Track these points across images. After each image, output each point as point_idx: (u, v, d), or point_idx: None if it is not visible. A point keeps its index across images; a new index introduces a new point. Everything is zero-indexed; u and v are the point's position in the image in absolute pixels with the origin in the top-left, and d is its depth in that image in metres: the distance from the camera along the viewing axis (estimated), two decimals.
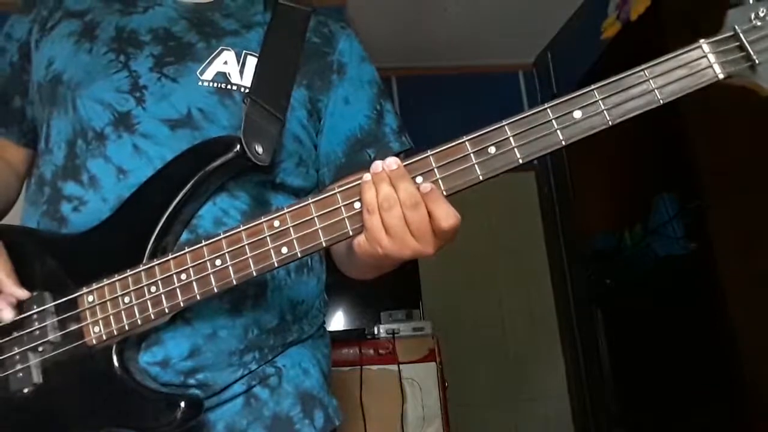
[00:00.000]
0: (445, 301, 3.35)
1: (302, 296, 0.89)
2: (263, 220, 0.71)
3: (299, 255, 0.70)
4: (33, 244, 0.82)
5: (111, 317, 0.74)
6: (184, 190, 0.76)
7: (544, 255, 3.75)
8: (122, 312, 0.74)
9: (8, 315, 0.77)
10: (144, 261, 0.75)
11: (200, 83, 0.85)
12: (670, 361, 2.58)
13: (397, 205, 0.66)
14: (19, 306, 0.78)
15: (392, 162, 0.67)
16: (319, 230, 0.69)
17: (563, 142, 0.67)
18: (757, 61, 0.66)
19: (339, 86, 0.93)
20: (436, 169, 0.68)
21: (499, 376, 3.48)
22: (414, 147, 0.91)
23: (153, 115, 0.83)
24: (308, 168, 0.93)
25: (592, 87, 0.67)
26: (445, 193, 0.68)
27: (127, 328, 0.73)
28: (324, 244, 0.69)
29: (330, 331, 0.99)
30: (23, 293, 0.77)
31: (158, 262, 0.73)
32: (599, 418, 3.30)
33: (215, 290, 0.72)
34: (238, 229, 0.71)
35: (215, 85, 0.85)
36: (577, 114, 0.67)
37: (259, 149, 0.79)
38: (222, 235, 0.72)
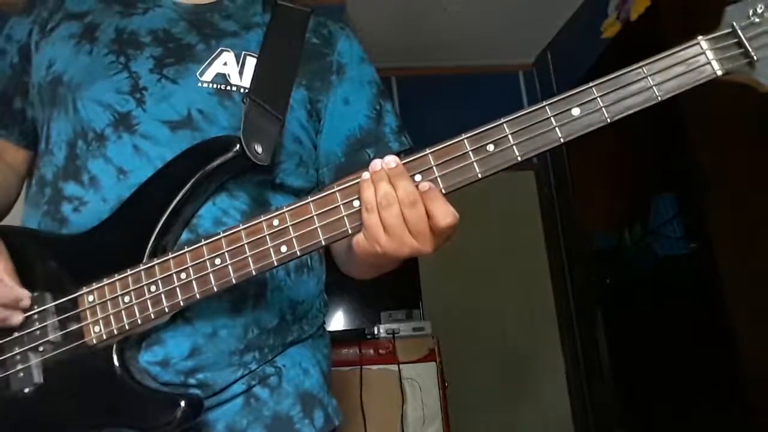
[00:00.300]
0: (445, 301, 3.35)
1: (302, 296, 0.89)
2: (262, 219, 0.71)
3: (298, 254, 0.70)
4: (33, 245, 0.82)
5: (111, 317, 0.74)
6: (183, 190, 0.77)
7: (544, 255, 3.75)
8: (122, 311, 0.74)
9: (17, 319, 0.77)
10: (144, 260, 0.75)
11: (200, 84, 0.85)
12: (670, 360, 2.58)
13: (396, 203, 0.66)
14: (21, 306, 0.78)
15: (391, 160, 0.67)
16: (318, 229, 0.69)
17: (562, 140, 0.67)
18: (755, 58, 0.66)
19: (338, 86, 0.93)
20: (434, 167, 0.68)
21: (499, 376, 3.48)
22: (414, 147, 0.91)
23: (153, 116, 0.83)
24: (308, 168, 0.93)
25: (591, 84, 0.67)
26: (443, 191, 0.68)
27: (127, 327, 0.74)
28: (323, 243, 0.70)
29: (330, 331, 0.99)
30: (24, 293, 0.78)
31: (158, 261, 0.74)
32: (599, 418, 3.31)
33: (215, 289, 0.72)
34: (238, 228, 0.72)
35: (215, 86, 0.85)
36: (576, 111, 0.67)
37: (259, 149, 0.79)
38: (221, 234, 0.72)
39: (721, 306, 2.16)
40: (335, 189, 0.70)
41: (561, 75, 3.59)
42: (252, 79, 0.86)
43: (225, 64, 0.87)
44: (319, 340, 0.94)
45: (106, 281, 0.75)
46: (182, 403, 0.71)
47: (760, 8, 0.66)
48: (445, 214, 0.66)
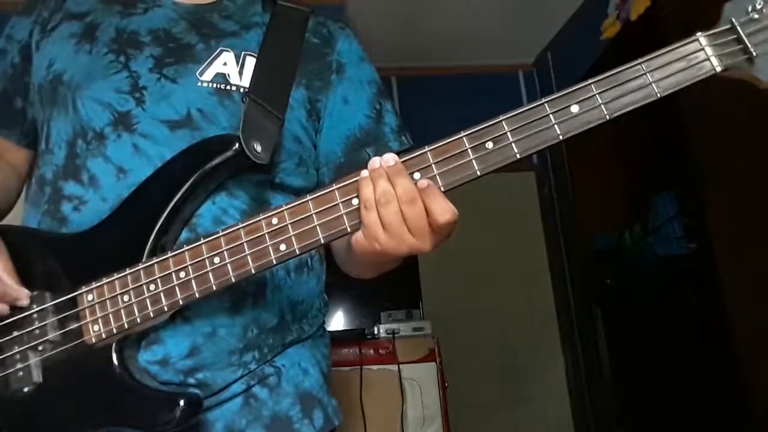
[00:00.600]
0: (445, 301, 3.35)
1: (302, 296, 0.89)
2: (261, 217, 0.71)
3: (297, 252, 0.70)
4: (33, 244, 0.82)
5: (110, 316, 0.74)
6: (183, 189, 0.77)
7: (544, 255, 3.75)
8: (121, 310, 0.74)
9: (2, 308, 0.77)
10: (143, 259, 0.75)
11: (200, 84, 0.85)
12: (670, 360, 2.58)
13: (395, 200, 0.66)
14: (20, 305, 0.78)
15: (390, 158, 0.67)
16: (317, 227, 0.69)
17: (561, 137, 0.67)
18: (754, 54, 0.65)
19: (338, 86, 0.93)
20: (433, 165, 0.68)
21: (499, 376, 3.48)
22: (414, 146, 0.91)
23: (152, 116, 0.83)
24: (308, 168, 0.93)
25: (589, 81, 0.67)
26: (442, 188, 0.68)
27: (126, 326, 0.74)
28: (322, 241, 0.69)
29: (330, 331, 0.99)
30: (24, 292, 0.78)
31: (157, 260, 0.74)
32: (599, 418, 3.31)
33: (214, 288, 0.72)
34: (237, 227, 0.72)
35: (214, 85, 0.86)
36: (575, 108, 0.67)
37: (258, 148, 0.79)
38: (221, 233, 0.72)
39: (721, 306, 2.17)
40: (334, 187, 0.70)
41: (561, 75, 3.59)
42: (251, 79, 0.86)
43: (225, 63, 0.87)
44: (319, 340, 0.94)
45: (105, 280, 0.75)
46: (181, 402, 0.71)
47: (759, 4, 0.65)
48: (444, 211, 0.66)
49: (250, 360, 0.82)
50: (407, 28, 3.40)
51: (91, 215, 0.80)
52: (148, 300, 0.73)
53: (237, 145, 0.78)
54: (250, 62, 0.88)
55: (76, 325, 0.75)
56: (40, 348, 0.77)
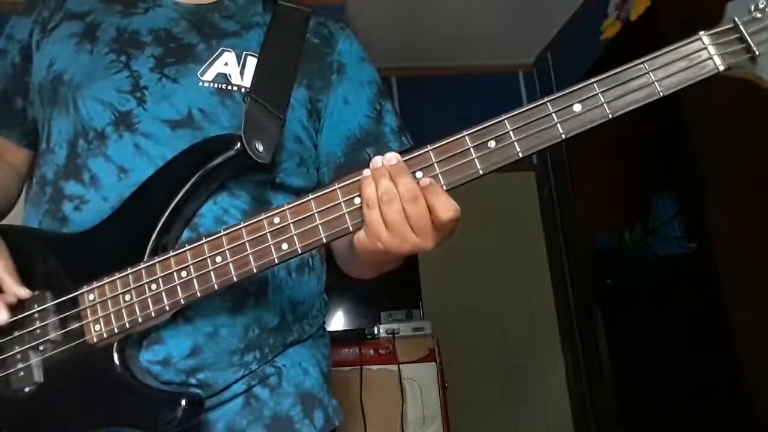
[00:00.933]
0: (445, 301, 3.35)
1: (303, 296, 0.89)
2: (263, 216, 0.71)
3: (299, 251, 0.70)
4: (34, 244, 0.82)
5: (112, 315, 0.74)
6: (184, 189, 0.77)
7: (544, 255, 3.75)
8: (123, 310, 0.74)
9: (3, 316, 0.77)
10: (144, 259, 0.75)
11: (201, 84, 0.85)
12: (670, 361, 2.59)
13: (397, 199, 0.66)
14: (21, 305, 0.78)
15: (392, 157, 0.67)
16: (319, 226, 0.69)
17: (563, 136, 0.66)
18: (757, 53, 0.65)
19: (339, 86, 0.93)
20: (435, 164, 0.68)
21: (499, 376, 3.48)
22: (414, 147, 0.91)
23: (153, 115, 0.83)
24: (309, 168, 0.93)
25: (592, 80, 0.67)
26: (444, 187, 0.67)
27: (127, 326, 0.74)
28: (324, 240, 0.69)
29: (330, 331, 0.99)
30: (25, 292, 0.78)
31: (159, 259, 0.74)
32: (599, 418, 3.31)
33: (216, 287, 0.72)
34: (239, 226, 0.72)
35: (216, 85, 0.86)
36: (577, 107, 0.66)
37: (260, 147, 0.79)
38: (222, 232, 0.72)
39: (721, 306, 2.17)
40: (335, 186, 0.70)
41: (561, 75, 3.60)
42: (253, 79, 0.86)
43: (226, 64, 0.87)
44: (319, 340, 0.94)
45: (106, 279, 0.75)
46: (183, 402, 0.71)
47: (762, 3, 0.65)
48: (447, 208, 0.66)
49: (251, 360, 0.82)
50: (407, 28, 3.40)
51: (92, 215, 0.80)
52: (149, 299, 0.73)
53: (239, 144, 0.77)
54: (252, 62, 0.88)
55: (77, 325, 0.75)
56: (41, 348, 0.76)
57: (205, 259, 0.72)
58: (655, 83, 0.66)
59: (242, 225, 0.71)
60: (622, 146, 2.84)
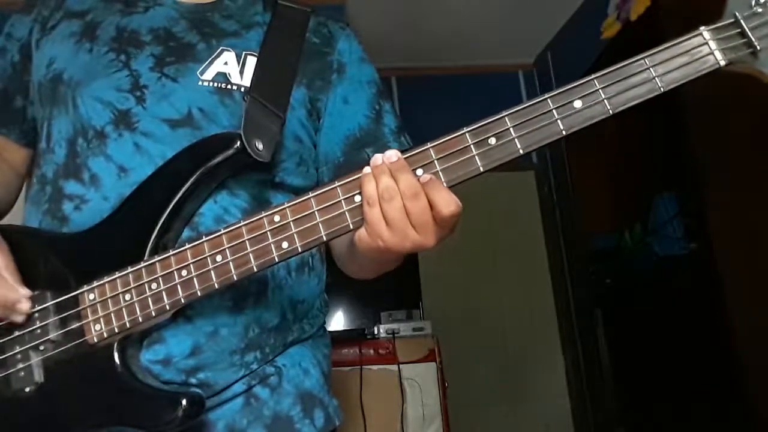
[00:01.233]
0: (445, 301, 3.35)
1: (303, 295, 0.89)
2: (264, 215, 0.71)
3: (300, 249, 0.70)
4: (34, 244, 0.82)
5: (112, 315, 0.74)
6: (185, 188, 0.76)
7: (544, 255, 3.75)
8: (123, 309, 0.74)
9: (26, 306, 0.77)
10: (145, 258, 0.75)
11: (200, 83, 0.85)
12: (670, 360, 2.59)
13: (398, 196, 0.65)
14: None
15: (392, 154, 0.67)
16: (320, 224, 0.69)
17: (564, 132, 0.66)
18: (758, 48, 0.65)
19: (338, 86, 0.93)
20: (436, 161, 0.67)
21: (499, 376, 3.48)
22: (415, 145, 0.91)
23: (153, 114, 0.83)
24: (308, 167, 0.93)
25: (593, 76, 0.66)
26: (445, 185, 0.67)
27: (128, 325, 0.73)
28: (324, 238, 0.69)
29: (330, 331, 0.99)
30: (25, 292, 0.77)
31: (159, 258, 0.73)
32: (599, 418, 3.31)
33: (216, 286, 0.71)
34: (239, 225, 0.71)
35: (215, 84, 0.85)
36: (578, 103, 0.66)
37: (260, 145, 0.79)
38: (222, 231, 0.72)
39: (721, 306, 2.16)
40: (336, 184, 0.69)
41: (561, 75, 3.60)
42: (252, 78, 0.86)
43: (225, 63, 0.87)
44: (320, 340, 0.94)
45: (106, 279, 0.75)
46: (184, 402, 0.71)
47: None
48: (448, 203, 0.66)
49: (251, 360, 0.82)
50: (407, 27, 3.40)
51: (92, 214, 0.80)
52: (149, 299, 0.73)
53: (238, 143, 0.77)
54: (251, 62, 0.88)
55: (77, 325, 0.75)
56: (42, 347, 0.76)
57: (206, 257, 0.72)
58: (656, 79, 0.66)
59: (242, 223, 0.71)
60: (622, 146, 2.84)
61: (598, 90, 0.66)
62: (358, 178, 0.68)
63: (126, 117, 0.83)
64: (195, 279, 0.72)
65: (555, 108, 0.67)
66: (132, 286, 0.74)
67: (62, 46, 0.89)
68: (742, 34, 0.66)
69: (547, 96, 0.67)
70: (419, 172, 0.67)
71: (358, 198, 0.68)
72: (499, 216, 3.58)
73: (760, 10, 0.65)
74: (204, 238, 0.72)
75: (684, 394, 2.51)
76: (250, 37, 0.91)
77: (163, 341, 0.77)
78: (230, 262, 0.71)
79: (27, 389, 0.76)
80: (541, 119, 0.67)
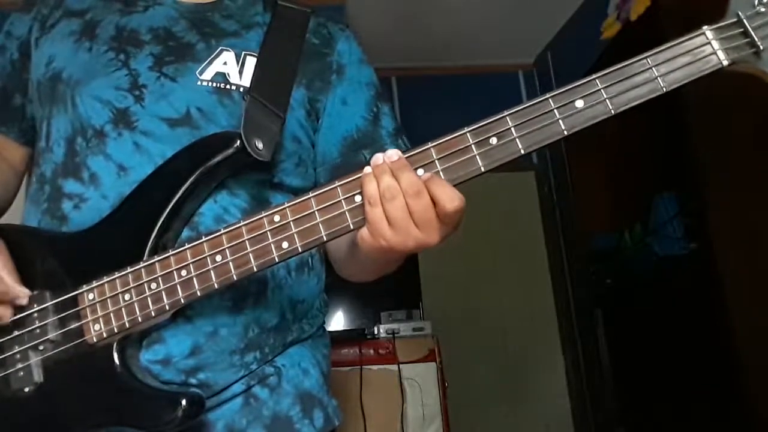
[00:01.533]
0: (445, 301, 3.35)
1: (302, 295, 0.89)
2: (264, 214, 0.71)
3: (300, 249, 0.69)
4: (33, 243, 0.82)
5: (111, 315, 0.74)
6: (184, 187, 0.76)
7: (544, 255, 3.75)
8: (122, 309, 0.73)
9: (7, 313, 0.77)
10: (144, 258, 0.74)
11: (199, 83, 0.85)
12: (670, 361, 2.59)
13: (400, 195, 0.65)
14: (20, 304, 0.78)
15: (393, 153, 0.66)
16: (320, 224, 0.69)
17: (565, 132, 0.66)
18: (761, 47, 0.65)
19: (337, 86, 0.93)
20: (437, 161, 0.67)
21: (499, 376, 3.48)
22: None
23: (152, 113, 0.83)
24: (307, 168, 0.93)
25: (594, 76, 0.66)
26: None
27: (127, 325, 0.73)
28: (325, 238, 0.69)
29: (330, 331, 0.99)
30: (24, 291, 0.77)
31: (158, 258, 0.73)
32: (599, 418, 3.30)
33: (216, 286, 0.71)
34: (239, 225, 0.71)
35: (214, 84, 0.85)
36: (579, 103, 0.66)
37: (260, 144, 0.79)
38: (222, 231, 0.72)
39: (721, 306, 2.16)
40: (336, 184, 0.69)
41: (561, 75, 3.59)
42: (252, 78, 0.85)
43: (225, 63, 0.87)
44: (319, 340, 0.94)
45: (105, 279, 0.75)
46: (183, 402, 0.71)
47: None
48: (452, 198, 0.65)
49: (251, 360, 0.82)
50: (407, 27, 3.39)
51: (92, 213, 0.80)
52: (149, 299, 0.73)
53: (238, 142, 0.77)
54: (251, 62, 0.88)
55: (76, 325, 0.75)
56: (41, 347, 0.76)
57: (205, 257, 0.71)
58: (659, 78, 0.65)
59: (242, 223, 0.71)
60: (622, 146, 2.84)
61: (599, 90, 0.66)
62: (358, 178, 0.68)
63: (125, 116, 0.83)
64: (195, 279, 0.72)
65: (556, 108, 0.66)
66: (131, 286, 0.73)
67: (61, 45, 0.89)
68: (745, 33, 0.65)
69: (548, 96, 0.66)
70: (420, 171, 0.67)
71: (358, 198, 0.68)
72: (499, 216, 3.58)
73: (763, 9, 0.65)
74: (204, 238, 0.72)
75: (684, 394, 2.51)
76: (250, 37, 0.91)
77: (162, 341, 0.77)
78: (230, 262, 0.71)
79: (26, 389, 0.76)
80: (543, 119, 0.66)
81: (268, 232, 0.70)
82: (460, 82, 3.76)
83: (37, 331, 0.76)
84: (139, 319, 0.73)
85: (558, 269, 3.67)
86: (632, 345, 2.90)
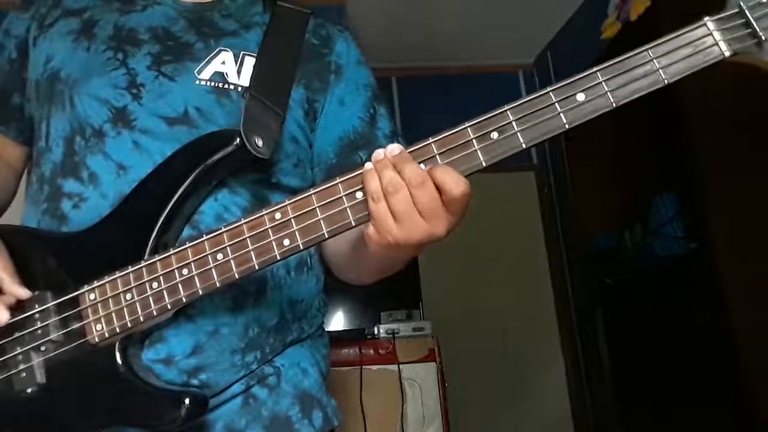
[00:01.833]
0: (445, 301, 3.35)
1: (302, 295, 0.89)
2: (265, 212, 0.70)
3: (301, 247, 0.69)
4: (33, 243, 0.82)
5: (113, 314, 0.73)
6: (184, 185, 0.76)
7: (544, 255, 3.75)
8: (124, 309, 0.73)
9: (4, 317, 0.77)
10: (145, 257, 0.74)
11: (197, 82, 0.85)
12: (670, 360, 2.58)
13: (403, 187, 0.64)
14: (21, 305, 0.78)
15: (395, 148, 0.66)
16: (321, 221, 0.68)
17: (567, 126, 0.65)
18: (763, 38, 0.64)
19: (336, 87, 0.93)
20: (437, 156, 0.66)
21: (499, 376, 3.48)
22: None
23: (150, 111, 0.83)
24: (305, 168, 0.93)
25: (595, 69, 0.65)
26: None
27: (129, 325, 0.73)
28: (326, 235, 0.68)
29: (330, 331, 0.99)
30: (25, 292, 0.77)
31: (159, 257, 0.73)
32: (599, 418, 3.31)
33: (217, 284, 0.71)
34: (240, 223, 0.71)
35: (212, 84, 0.85)
36: (580, 96, 0.65)
37: (259, 142, 0.78)
38: (223, 229, 0.71)
39: (721, 306, 2.16)
40: (337, 180, 0.68)
41: (561, 75, 3.56)
42: (251, 77, 0.85)
43: (223, 63, 0.87)
44: (318, 340, 0.94)
45: (107, 278, 0.74)
46: (187, 401, 0.71)
47: None
48: (458, 183, 0.64)
49: (251, 360, 0.82)
50: (407, 27, 3.40)
51: (92, 213, 0.80)
52: (150, 298, 0.72)
53: (238, 139, 0.77)
54: (249, 62, 0.88)
55: (78, 325, 0.75)
56: (43, 348, 0.76)
57: (207, 256, 0.71)
58: (660, 71, 0.65)
59: (243, 221, 0.71)
60: (622, 146, 2.84)
61: (600, 83, 0.65)
62: (359, 174, 0.68)
63: (123, 114, 0.82)
64: (196, 277, 0.71)
65: (557, 101, 0.66)
66: (133, 285, 0.73)
67: (60, 44, 0.89)
68: (747, 24, 0.64)
69: (549, 89, 0.66)
70: (422, 166, 0.66)
71: (359, 194, 0.67)
72: (499, 216, 3.58)
73: (765, 0, 0.64)
74: (205, 237, 0.72)
75: (684, 393, 2.50)
76: (249, 37, 0.91)
77: (164, 340, 0.77)
78: (231, 261, 0.70)
79: (29, 390, 0.76)
80: (544, 113, 0.66)
81: (270, 230, 0.70)
82: (460, 82, 3.76)
83: (39, 332, 0.76)
84: (141, 319, 0.73)
85: (558, 269, 3.67)
86: (632, 345, 2.89)
